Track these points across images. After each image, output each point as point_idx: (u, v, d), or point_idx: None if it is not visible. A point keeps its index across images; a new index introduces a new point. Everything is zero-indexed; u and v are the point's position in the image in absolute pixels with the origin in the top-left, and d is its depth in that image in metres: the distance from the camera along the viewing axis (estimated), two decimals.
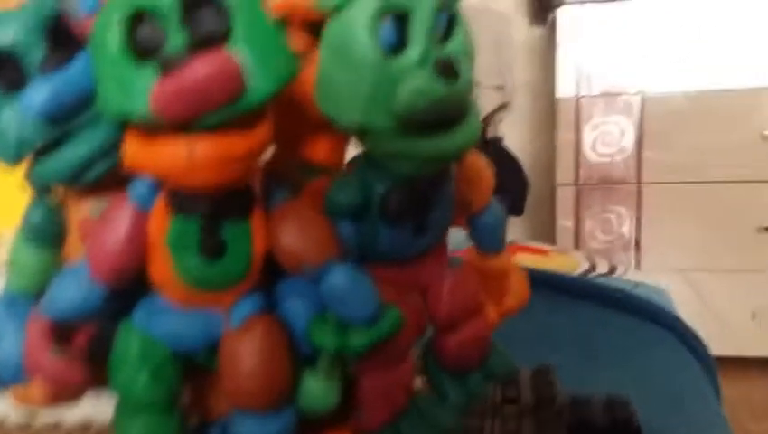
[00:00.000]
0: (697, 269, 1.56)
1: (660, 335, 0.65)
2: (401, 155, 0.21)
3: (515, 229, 2.08)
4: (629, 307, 0.68)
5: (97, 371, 0.23)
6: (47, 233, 0.25)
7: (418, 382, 0.29)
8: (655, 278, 1.53)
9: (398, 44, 0.20)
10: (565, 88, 1.56)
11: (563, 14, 1.53)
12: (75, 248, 0.24)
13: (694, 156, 1.51)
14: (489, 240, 0.28)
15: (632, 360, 0.59)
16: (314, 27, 0.21)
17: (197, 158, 0.19)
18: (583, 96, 1.55)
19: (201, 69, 0.18)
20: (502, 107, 1.95)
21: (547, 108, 1.90)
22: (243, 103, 0.19)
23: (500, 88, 1.85)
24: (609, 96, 1.54)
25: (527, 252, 0.86)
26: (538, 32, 1.95)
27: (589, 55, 1.53)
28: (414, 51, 0.20)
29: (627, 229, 1.59)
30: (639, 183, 1.56)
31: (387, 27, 0.20)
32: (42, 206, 0.24)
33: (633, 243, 1.60)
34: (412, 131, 0.20)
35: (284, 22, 0.22)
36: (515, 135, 2.02)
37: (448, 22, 0.21)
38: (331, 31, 0.20)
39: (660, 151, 1.53)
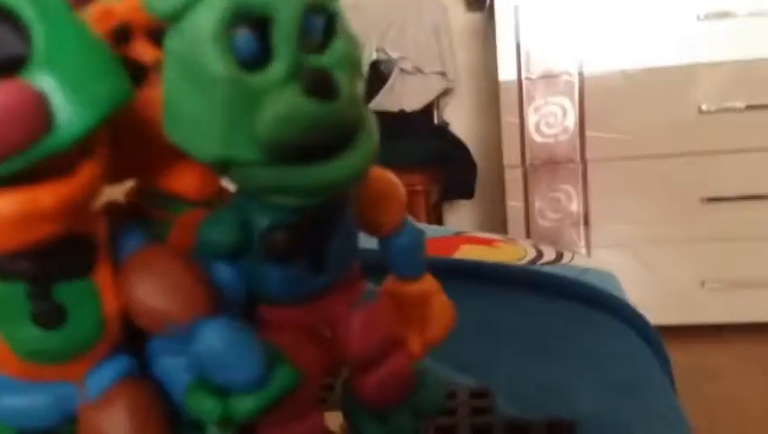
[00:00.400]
0: (646, 242, 1.59)
1: (608, 321, 0.64)
2: (276, 189, 0.18)
3: (467, 212, 2.09)
4: (576, 295, 0.67)
5: None
6: None
7: (337, 424, 0.26)
8: (603, 255, 1.55)
9: (261, 57, 0.16)
10: (506, 71, 1.56)
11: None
12: None
13: (635, 133, 1.54)
14: (405, 264, 0.24)
15: (581, 348, 0.57)
16: (161, 35, 0.17)
17: None
18: (524, 79, 1.55)
19: None
20: (446, 92, 1.93)
21: (490, 92, 1.90)
22: (49, 143, 0.15)
23: (442, 74, 1.83)
24: (550, 77, 1.55)
25: (473, 243, 0.84)
26: (476, 17, 1.94)
27: (528, 38, 1.53)
28: (277, 66, 0.16)
29: (575, 206, 1.61)
30: (584, 161, 1.58)
31: (244, 36, 0.16)
32: None
33: (582, 220, 1.62)
34: (285, 161, 0.17)
35: (124, 31, 0.18)
36: (460, 119, 2.02)
37: (326, 26, 0.17)
38: (172, 42, 0.16)
39: (603, 129, 1.55)
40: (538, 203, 1.61)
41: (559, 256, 0.79)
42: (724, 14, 1.44)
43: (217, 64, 0.16)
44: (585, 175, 1.58)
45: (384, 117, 1.74)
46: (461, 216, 2.09)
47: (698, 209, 1.54)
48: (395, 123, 1.75)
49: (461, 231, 0.95)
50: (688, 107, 1.50)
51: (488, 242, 0.85)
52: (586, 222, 1.61)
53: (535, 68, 1.54)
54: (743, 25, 1.46)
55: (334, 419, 0.26)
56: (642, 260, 1.60)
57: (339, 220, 0.20)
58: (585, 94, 1.53)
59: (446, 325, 0.25)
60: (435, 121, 1.93)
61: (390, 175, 0.23)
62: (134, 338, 0.20)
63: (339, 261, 0.21)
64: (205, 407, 0.18)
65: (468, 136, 1.96)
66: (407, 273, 0.24)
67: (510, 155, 1.59)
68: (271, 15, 0.16)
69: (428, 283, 0.24)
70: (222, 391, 0.18)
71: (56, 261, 0.17)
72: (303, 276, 0.20)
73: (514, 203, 1.63)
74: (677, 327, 1.54)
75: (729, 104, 1.48)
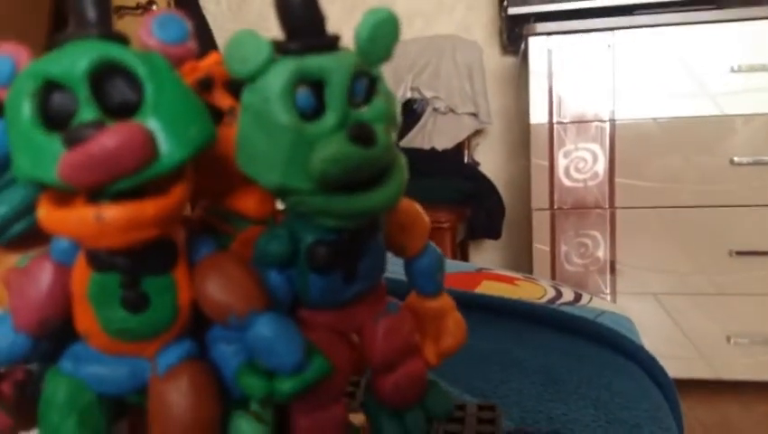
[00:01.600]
0: (672, 292, 1.58)
1: (622, 365, 0.66)
2: (322, 213, 0.22)
3: (493, 252, 2.10)
4: (591, 336, 0.69)
5: (25, 414, 0.23)
6: None
7: (359, 421, 0.30)
8: (629, 303, 1.55)
9: (316, 109, 0.21)
10: (538, 115, 1.59)
11: (534, 44, 1.56)
12: (2, 296, 0.25)
13: (666, 181, 1.54)
14: (426, 283, 0.28)
15: (592, 390, 0.59)
16: (236, 87, 0.22)
17: (106, 223, 0.19)
18: (556, 123, 1.58)
19: (108, 140, 0.18)
20: (477, 133, 1.98)
21: (522, 134, 1.93)
22: (154, 170, 0.19)
23: (474, 115, 1.88)
24: (581, 123, 1.57)
25: (494, 280, 0.87)
26: (510, 60, 1.99)
27: (561, 83, 1.56)
28: (329, 118, 0.21)
29: (602, 252, 1.61)
30: (612, 207, 1.59)
31: (305, 93, 0.21)
32: None
33: (609, 266, 1.62)
34: (331, 191, 0.21)
35: (207, 82, 0.23)
36: (491, 160, 2.05)
37: (369, 86, 0.22)
38: (248, 97, 0.21)
39: (633, 176, 1.56)
40: (564, 248, 1.62)
41: (578, 297, 0.82)
42: (759, 68, 1.46)
43: (282, 115, 0.20)
44: (613, 222, 1.59)
45: (415, 154, 1.79)
46: (486, 256, 2.11)
47: (727, 262, 1.53)
48: (426, 161, 1.80)
49: (483, 267, 0.98)
50: (720, 158, 1.50)
51: (508, 280, 0.88)
52: (613, 269, 1.61)
53: (567, 112, 1.57)
54: None
55: (358, 418, 0.30)
56: (668, 311, 1.59)
57: (370, 240, 0.25)
58: (616, 141, 1.55)
59: (459, 338, 0.28)
60: (466, 161, 1.97)
61: (416, 206, 0.27)
62: (196, 329, 0.24)
63: (368, 275, 0.25)
64: (253, 385, 0.22)
65: (497, 177, 1.99)
66: (427, 290, 0.28)
67: (539, 197, 1.61)
68: (326, 78, 0.21)
69: (445, 301, 0.28)
70: (267, 374, 0.23)
71: (147, 259, 0.21)
72: (338, 285, 0.24)
73: (540, 246, 1.64)
74: (699, 381, 1.52)
75: (762, 157, 1.48)
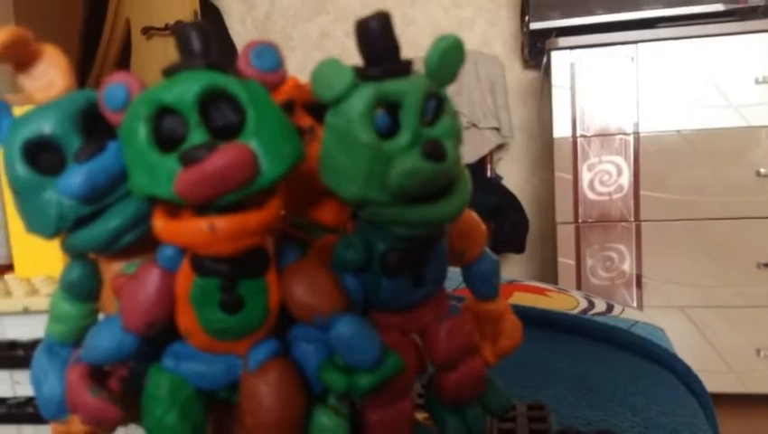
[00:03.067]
0: (700, 306, 1.57)
1: (656, 373, 0.67)
2: (396, 222, 0.24)
3: (518, 266, 2.11)
4: (626, 345, 0.70)
5: (128, 408, 0.26)
6: (83, 289, 0.27)
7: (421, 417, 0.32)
8: (656, 316, 1.54)
9: (391, 128, 0.23)
10: (561, 128, 1.60)
11: (556, 58, 1.58)
12: (109, 300, 0.27)
13: (691, 194, 1.54)
14: (484, 287, 0.30)
15: (628, 397, 0.60)
16: (315, 108, 0.24)
17: (218, 233, 0.22)
18: (579, 136, 1.59)
19: (220, 160, 0.21)
20: (500, 147, 2.00)
21: (544, 148, 1.95)
22: (257, 185, 0.22)
23: (496, 129, 1.90)
24: (605, 136, 1.58)
25: (527, 291, 0.89)
26: (533, 74, 2.01)
27: (584, 96, 1.58)
28: (404, 136, 0.23)
29: (628, 266, 1.61)
30: (638, 220, 1.59)
31: (381, 115, 0.23)
32: (77, 266, 0.27)
33: (635, 280, 1.61)
34: (405, 202, 0.23)
35: (289, 105, 0.26)
36: (514, 174, 2.06)
37: (437, 106, 0.24)
38: (332, 119, 0.23)
39: (658, 189, 1.56)
40: (589, 261, 1.62)
41: (610, 308, 0.83)
42: None
43: (363, 135, 0.23)
44: (638, 235, 1.59)
45: None
46: (511, 270, 2.12)
47: (755, 274, 1.52)
48: None
49: (514, 279, 1.00)
50: (745, 169, 1.50)
51: (540, 291, 0.89)
52: (639, 283, 1.60)
53: (590, 126, 1.58)
54: None
55: (419, 415, 0.32)
56: (695, 324, 1.58)
57: (436, 247, 0.27)
58: (640, 153, 1.56)
59: (515, 340, 0.30)
60: (489, 175, 1.98)
61: (474, 214, 0.29)
62: (279, 329, 0.26)
63: (434, 279, 0.27)
64: (334, 380, 0.25)
65: (521, 191, 2.00)
66: (485, 294, 0.30)
67: (563, 211, 1.62)
68: (401, 100, 0.23)
69: (502, 304, 0.30)
70: (346, 370, 0.25)
71: (245, 265, 0.24)
72: (407, 289, 0.27)
73: (565, 260, 1.64)
74: (728, 395, 1.51)
75: None
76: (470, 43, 2.04)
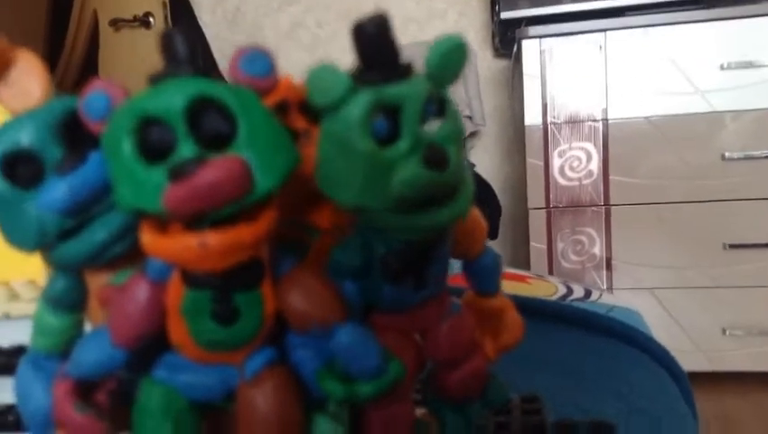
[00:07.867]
0: (668, 287, 1.61)
1: (636, 357, 0.68)
2: (395, 228, 0.24)
3: None
4: (606, 330, 0.71)
5: (117, 422, 0.25)
6: (68, 301, 0.26)
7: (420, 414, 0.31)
8: (625, 298, 1.57)
9: (390, 134, 0.22)
10: (531, 116, 1.61)
11: (527, 47, 1.59)
12: (95, 310, 0.26)
13: (659, 178, 1.57)
14: (485, 283, 0.30)
15: (610, 381, 0.61)
16: (309, 108, 0.23)
17: (209, 249, 0.21)
18: (550, 123, 1.61)
19: (211, 174, 0.20)
20: (472, 135, 2.00)
21: (516, 135, 1.96)
22: (250, 198, 0.21)
23: (468, 117, 1.90)
24: (575, 123, 1.60)
25: (507, 279, 0.89)
26: (502, 63, 2.02)
27: (554, 84, 1.59)
28: (404, 143, 0.22)
29: (598, 249, 1.64)
30: (607, 205, 1.61)
31: (380, 121, 0.22)
32: (61, 278, 0.26)
33: (605, 263, 1.64)
34: (404, 209, 0.23)
35: (283, 106, 0.25)
36: (486, 161, 2.08)
37: (438, 109, 0.23)
38: (329, 125, 0.22)
39: (626, 174, 1.59)
40: (560, 245, 1.65)
41: (588, 293, 0.84)
42: (747, 65, 1.49)
43: (360, 142, 0.22)
44: (608, 219, 1.62)
45: None
46: None
47: (721, 255, 1.56)
48: None
49: None
50: (711, 153, 1.53)
51: (521, 278, 0.90)
52: (609, 265, 1.63)
53: (560, 113, 1.60)
54: (766, 75, 1.50)
55: (419, 412, 0.32)
56: (664, 305, 1.62)
57: (438, 249, 0.26)
58: (609, 139, 1.58)
59: (517, 335, 0.30)
60: None
61: (476, 211, 0.29)
62: (275, 336, 0.25)
63: (436, 281, 0.27)
64: (334, 389, 0.24)
65: (493, 178, 2.02)
66: (487, 290, 0.30)
67: (535, 197, 1.63)
68: (400, 105, 0.22)
69: (503, 299, 0.30)
70: (344, 378, 0.24)
71: (239, 277, 0.22)
72: (408, 291, 0.26)
73: (537, 245, 1.66)
74: (697, 373, 1.55)
75: (752, 152, 1.51)
76: (441, 33, 2.03)
